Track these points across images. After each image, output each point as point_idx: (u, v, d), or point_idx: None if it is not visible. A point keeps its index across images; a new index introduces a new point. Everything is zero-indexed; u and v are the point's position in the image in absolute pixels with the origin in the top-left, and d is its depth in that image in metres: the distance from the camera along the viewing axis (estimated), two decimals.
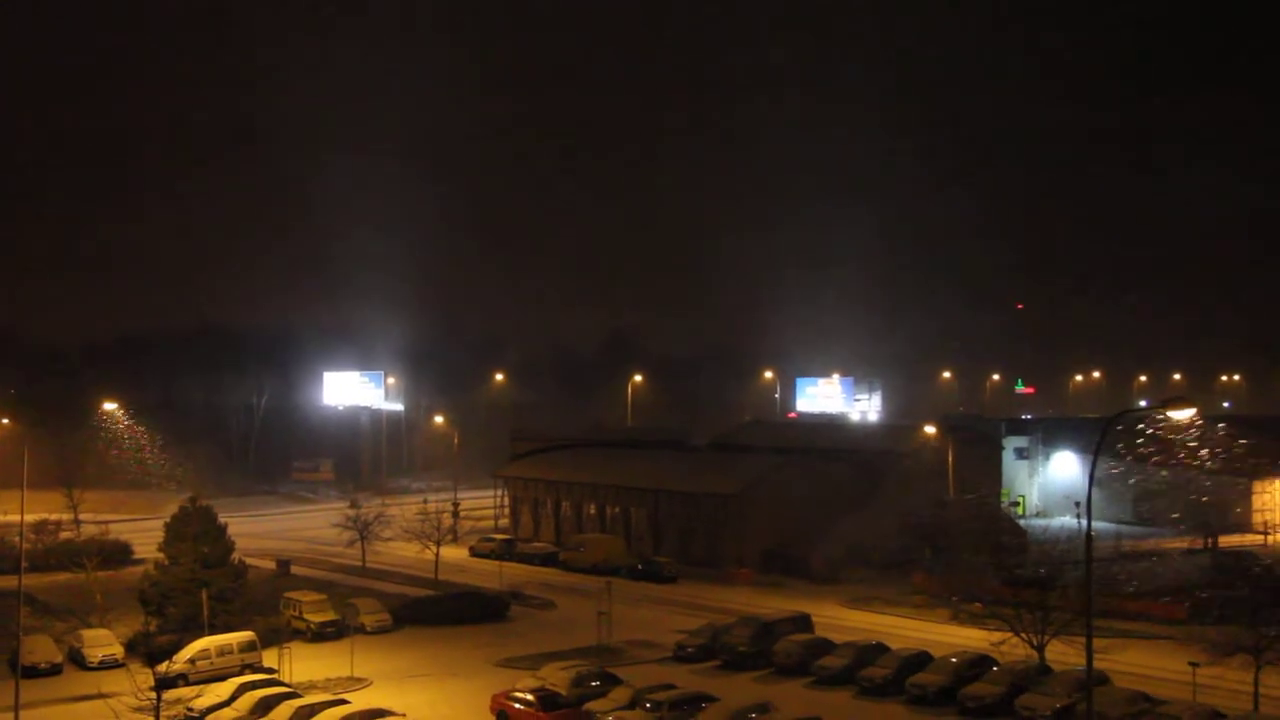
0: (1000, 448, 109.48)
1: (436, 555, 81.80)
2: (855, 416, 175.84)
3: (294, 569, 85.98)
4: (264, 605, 67.22)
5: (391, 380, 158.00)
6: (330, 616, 65.77)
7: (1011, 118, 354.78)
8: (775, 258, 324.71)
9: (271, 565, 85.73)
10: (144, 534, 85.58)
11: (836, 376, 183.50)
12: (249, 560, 72.85)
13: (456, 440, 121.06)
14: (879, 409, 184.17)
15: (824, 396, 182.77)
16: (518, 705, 49.08)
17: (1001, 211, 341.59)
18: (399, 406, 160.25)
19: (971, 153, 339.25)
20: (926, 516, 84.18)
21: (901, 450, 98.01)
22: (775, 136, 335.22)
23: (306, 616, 65.48)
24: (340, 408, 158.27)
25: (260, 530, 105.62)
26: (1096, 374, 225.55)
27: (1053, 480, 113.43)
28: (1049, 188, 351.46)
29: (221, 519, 66.89)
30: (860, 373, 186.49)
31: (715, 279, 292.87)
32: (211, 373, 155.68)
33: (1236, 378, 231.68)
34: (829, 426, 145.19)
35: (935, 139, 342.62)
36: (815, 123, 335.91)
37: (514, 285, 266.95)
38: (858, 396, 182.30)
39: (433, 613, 69.97)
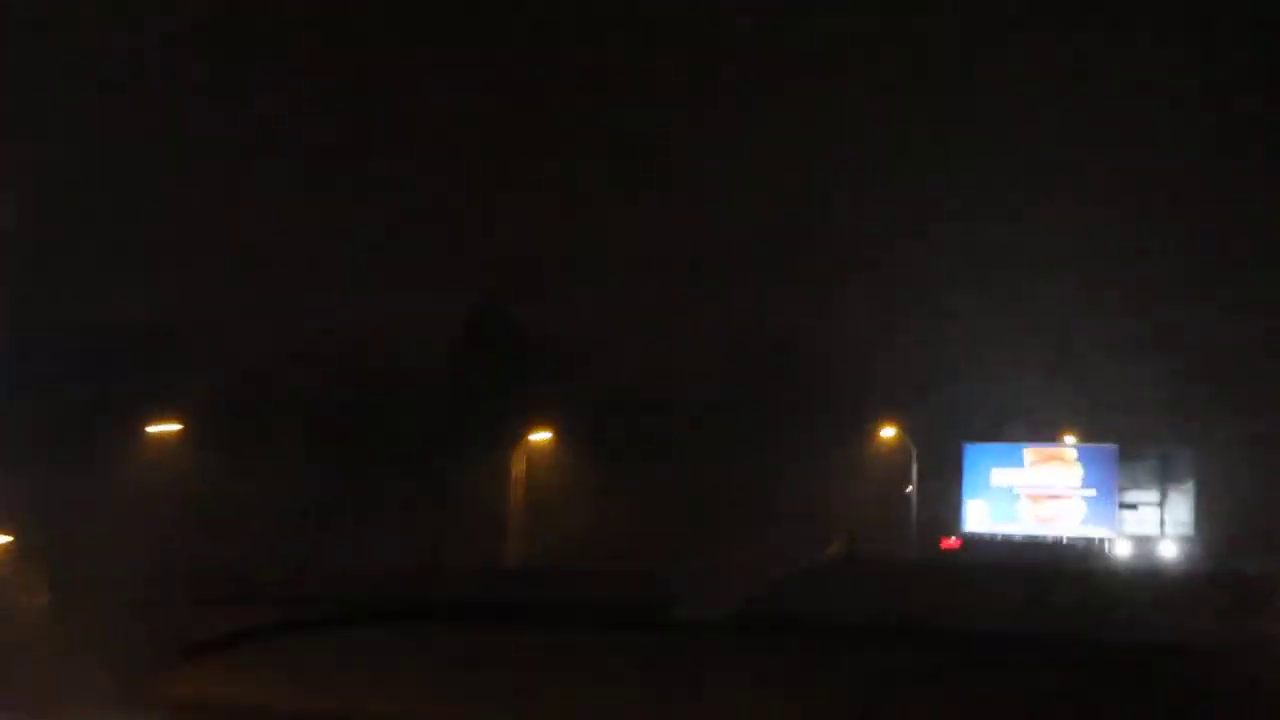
0: None
1: None
2: (1115, 545, 49.24)
3: None
4: None
5: None
6: None
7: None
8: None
9: None
10: None
11: (1071, 441, 72.11)
12: None
13: None
14: (1182, 534, 44.99)
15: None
16: None
17: None
18: None
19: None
20: None
21: None
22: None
23: None
24: None
25: None
26: None
27: None
28: None
29: None
30: (1119, 435, 69.25)
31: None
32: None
33: None
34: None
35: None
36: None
37: None
38: (1128, 500, 49.84)
39: None
